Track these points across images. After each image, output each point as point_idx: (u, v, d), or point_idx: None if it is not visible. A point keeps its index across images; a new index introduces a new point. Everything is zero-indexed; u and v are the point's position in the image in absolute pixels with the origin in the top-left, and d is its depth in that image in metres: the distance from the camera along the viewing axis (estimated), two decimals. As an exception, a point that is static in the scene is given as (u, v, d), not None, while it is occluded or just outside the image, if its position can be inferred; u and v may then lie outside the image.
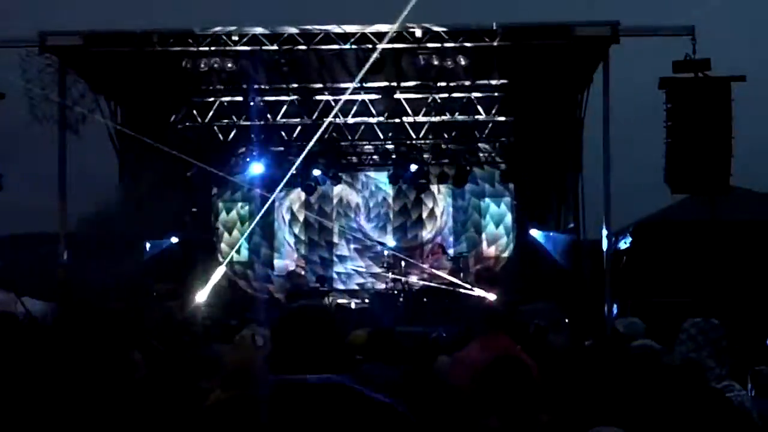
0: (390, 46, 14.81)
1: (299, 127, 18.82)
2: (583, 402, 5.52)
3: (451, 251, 20.92)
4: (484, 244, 21.80)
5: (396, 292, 18.35)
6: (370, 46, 14.58)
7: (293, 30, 14.90)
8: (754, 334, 8.25)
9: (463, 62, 15.25)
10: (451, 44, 14.92)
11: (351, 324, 9.83)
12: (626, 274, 15.81)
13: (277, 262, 21.80)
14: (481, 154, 20.02)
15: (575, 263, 16.76)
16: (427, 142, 19.67)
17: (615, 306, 14.45)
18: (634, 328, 9.39)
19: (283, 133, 19.18)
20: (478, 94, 17.98)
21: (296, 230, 22.01)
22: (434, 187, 21.41)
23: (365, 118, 18.51)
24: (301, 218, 22.06)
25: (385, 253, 19.97)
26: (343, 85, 17.43)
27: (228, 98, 17.94)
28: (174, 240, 18.76)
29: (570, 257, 17.09)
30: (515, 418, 3.90)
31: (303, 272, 20.32)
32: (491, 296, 16.13)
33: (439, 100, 18.12)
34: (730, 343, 5.28)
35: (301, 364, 3.03)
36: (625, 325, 9.54)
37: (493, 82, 17.36)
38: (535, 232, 18.83)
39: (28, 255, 15.22)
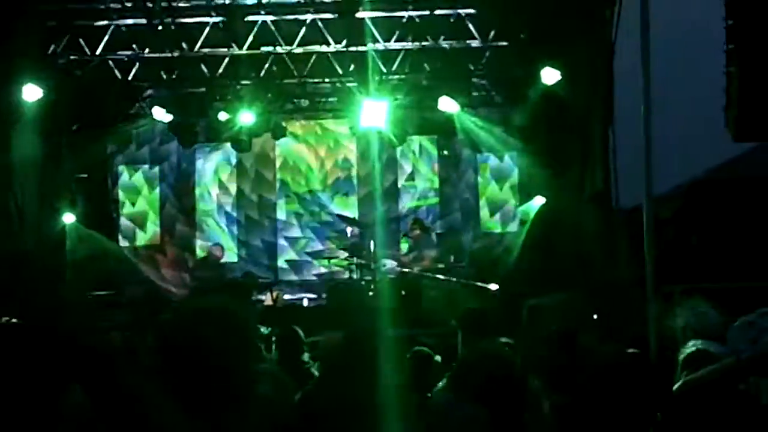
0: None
1: (226, 59, 17.98)
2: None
3: (436, 225, 20.57)
4: (485, 211, 21.22)
5: (364, 282, 17.72)
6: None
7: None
8: None
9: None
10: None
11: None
12: (674, 252, 15.80)
13: (199, 243, 21.11)
14: (475, 93, 19.12)
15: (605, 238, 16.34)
16: (403, 77, 18.85)
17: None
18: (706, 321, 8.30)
19: (203, 68, 18.40)
20: (471, 11, 16.89)
21: (225, 202, 21.40)
22: (414, 139, 20.59)
23: (317, 47, 17.53)
24: (232, 187, 21.40)
25: (349, 231, 19.26)
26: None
27: (127, 21, 17.04)
28: (69, 219, 18.13)
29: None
30: None
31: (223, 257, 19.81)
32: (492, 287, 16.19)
33: (417, 20, 17.16)
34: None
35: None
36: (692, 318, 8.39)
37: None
38: (539, 202, 18.22)
39: None
